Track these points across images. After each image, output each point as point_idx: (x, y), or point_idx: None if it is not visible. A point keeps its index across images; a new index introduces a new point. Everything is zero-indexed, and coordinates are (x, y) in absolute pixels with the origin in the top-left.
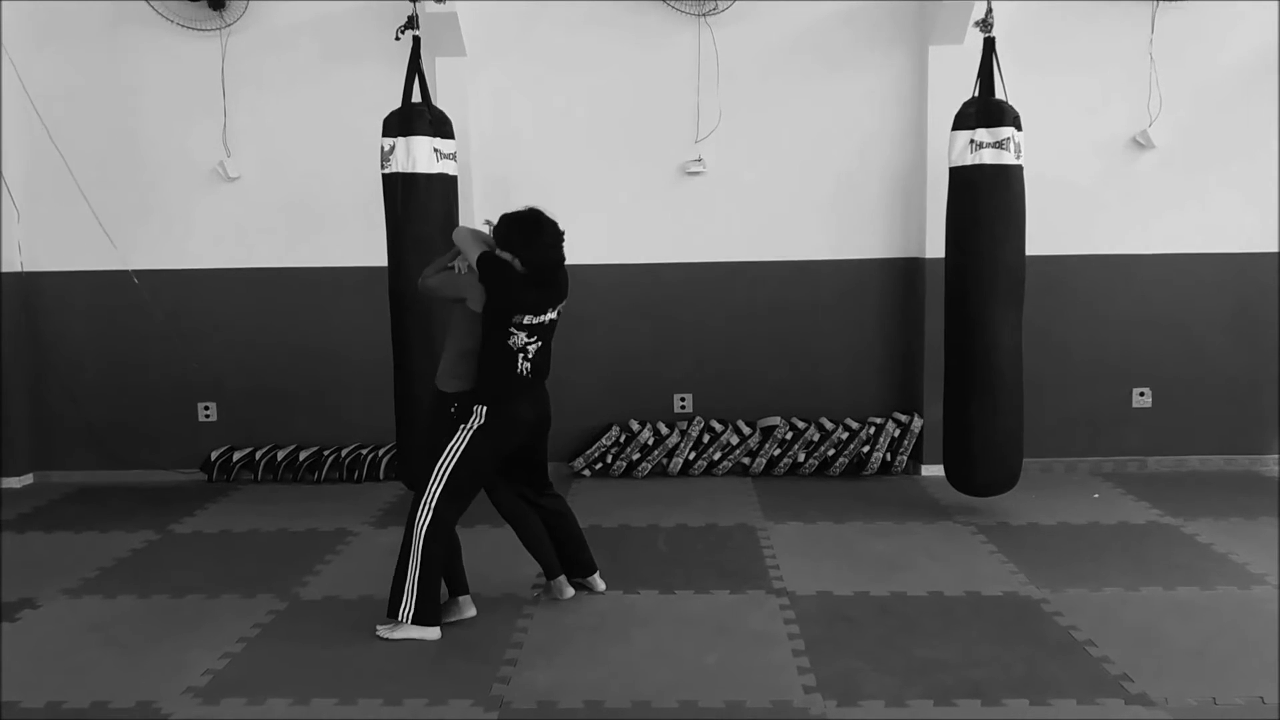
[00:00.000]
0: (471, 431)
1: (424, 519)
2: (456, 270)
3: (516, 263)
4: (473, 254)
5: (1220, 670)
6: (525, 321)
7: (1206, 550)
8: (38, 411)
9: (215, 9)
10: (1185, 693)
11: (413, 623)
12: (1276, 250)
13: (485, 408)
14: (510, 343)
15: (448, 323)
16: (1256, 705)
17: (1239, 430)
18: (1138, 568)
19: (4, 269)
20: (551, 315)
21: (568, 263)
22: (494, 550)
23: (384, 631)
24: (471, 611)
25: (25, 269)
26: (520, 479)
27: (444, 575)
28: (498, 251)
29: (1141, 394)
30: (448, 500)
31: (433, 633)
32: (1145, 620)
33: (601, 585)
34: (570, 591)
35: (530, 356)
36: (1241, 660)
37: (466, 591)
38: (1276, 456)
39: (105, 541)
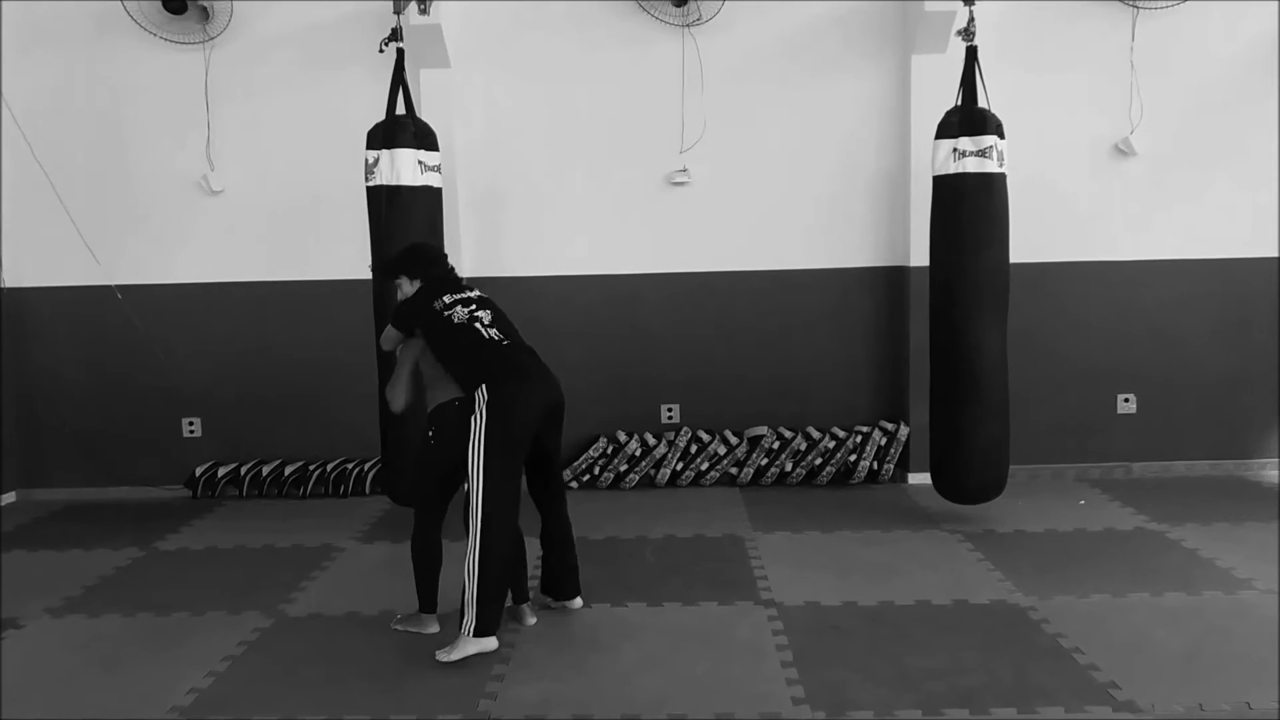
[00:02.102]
0: (484, 422)
1: (476, 528)
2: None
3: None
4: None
5: (1207, 676)
6: (452, 299)
7: (1193, 556)
8: (20, 428)
9: (200, 22)
10: (1172, 699)
11: (473, 635)
12: (1260, 255)
13: (483, 385)
14: (459, 323)
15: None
16: (1243, 710)
17: (1224, 435)
18: (1124, 574)
19: None
20: (476, 292)
21: (557, 274)
22: None
23: (442, 655)
24: (532, 620)
25: (7, 285)
26: (533, 473)
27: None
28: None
29: (1126, 400)
30: (493, 498)
31: (490, 644)
32: (1132, 627)
33: (579, 603)
34: (533, 620)
35: (487, 323)
36: (1228, 666)
37: (527, 599)
38: (1276, 460)
39: (89, 559)
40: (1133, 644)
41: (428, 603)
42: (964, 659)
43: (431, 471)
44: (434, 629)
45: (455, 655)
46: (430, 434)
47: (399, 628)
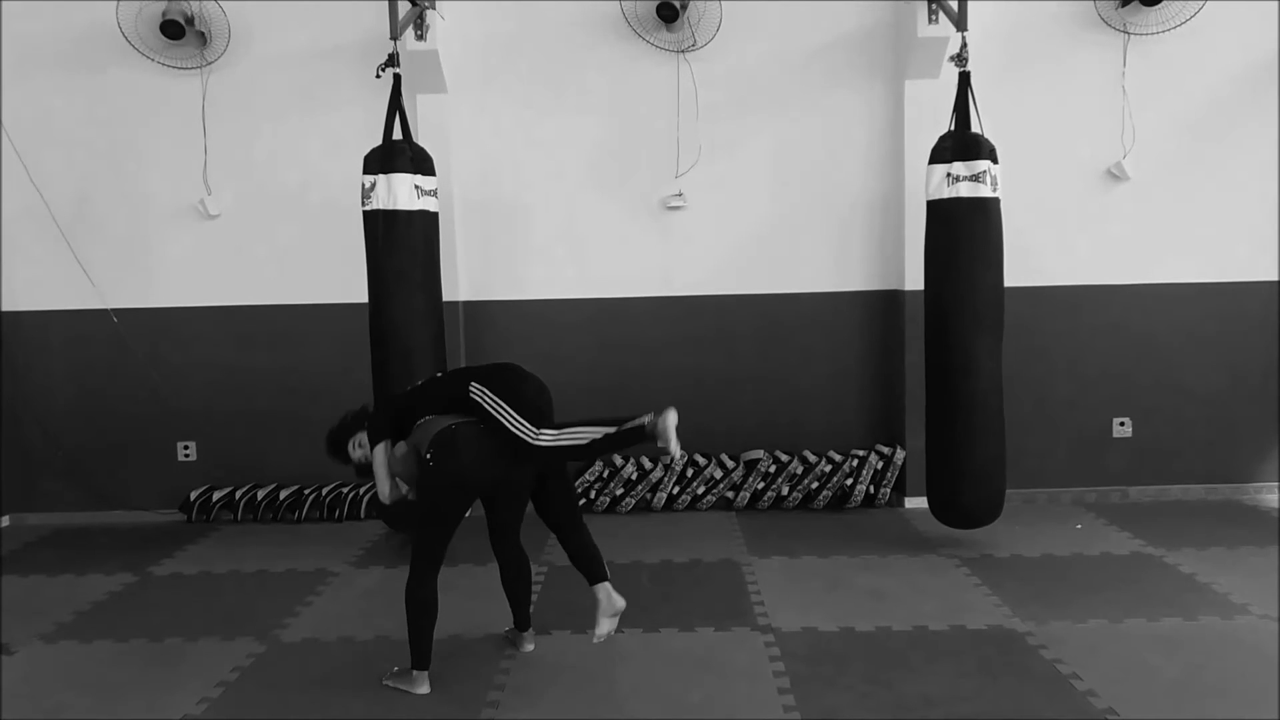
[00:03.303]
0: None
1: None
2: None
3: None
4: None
5: (1204, 702)
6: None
7: (1189, 581)
8: (14, 452)
9: (198, 47)
10: None
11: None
12: (1255, 280)
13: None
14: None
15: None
16: None
17: (1220, 459)
18: (1121, 599)
19: None
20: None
21: (553, 297)
22: (477, 589)
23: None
24: (530, 646)
25: (3, 309)
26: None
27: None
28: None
29: (1122, 424)
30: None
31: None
32: (1129, 652)
33: (530, 646)
34: (530, 646)
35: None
36: (1226, 691)
37: (528, 626)
38: (1276, 485)
39: (82, 585)
40: (1130, 669)
41: (421, 658)
42: (961, 685)
43: (439, 508)
44: (424, 689)
45: (387, 682)
46: (428, 455)
47: (389, 684)
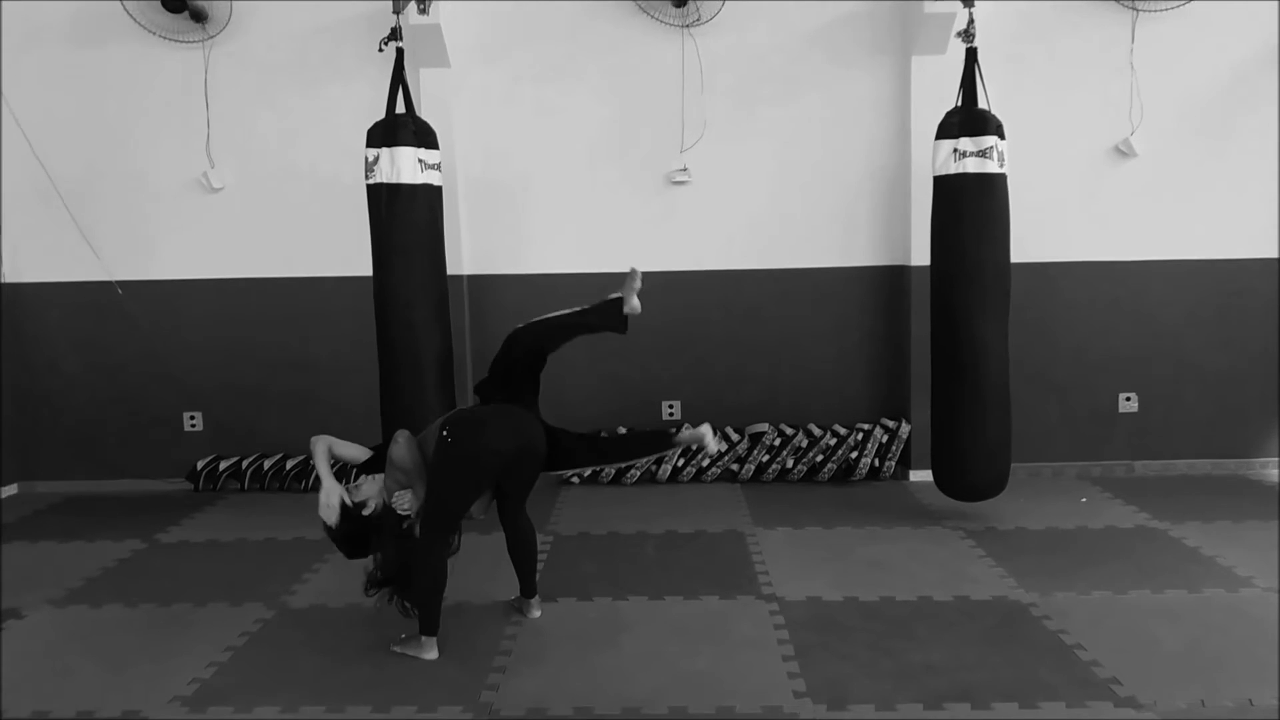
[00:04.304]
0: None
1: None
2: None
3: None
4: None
5: (1209, 673)
6: None
7: (1194, 554)
8: (22, 421)
9: (197, 21)
10: (1174, 696)
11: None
12: (1261, 256)
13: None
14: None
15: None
16: (1245, 708)
17: (1225, 434)
18: (1126, 571)
19: None
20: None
21: (557, 271)
22: (485, 559)
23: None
24: (536, 613)
25: (7, 280)
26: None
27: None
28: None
29: (1128, 399)
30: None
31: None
32: (1134, 624)
33: (536, 613)
34: (537, 613)
35: None
36: (1230, 663)
37: (534, 593)
38: (1278, 460)
39: (91, 551)
40: (1134, 641)
41: (430, 625)
42: (965, 655)
43: (456, 484)
44: (433, 655)
45: (397, 649)
46: (445, 433)
47: (397, 649)
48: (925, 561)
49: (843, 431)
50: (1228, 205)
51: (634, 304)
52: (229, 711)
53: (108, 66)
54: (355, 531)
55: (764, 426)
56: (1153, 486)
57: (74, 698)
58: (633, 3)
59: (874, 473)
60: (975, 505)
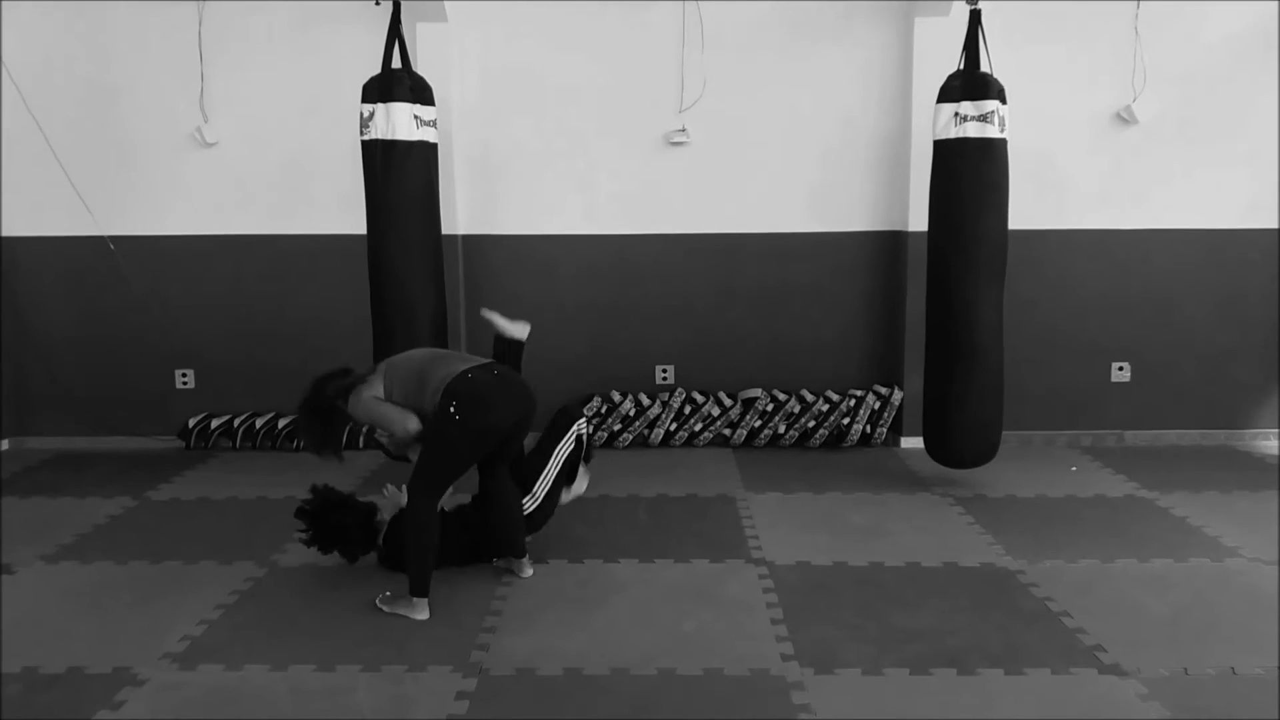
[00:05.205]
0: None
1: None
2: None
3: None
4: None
5: (1193, 641)
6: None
7: (1181, 523)
8: (13, 377)
9: None
10: (1157, 663)
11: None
12: (1258, 227)
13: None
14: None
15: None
16: (1228, 676)
17: (1217, 405)
18: (1114, 540)
19: None
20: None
21: (553, 233)
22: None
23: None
24: (529, 572)
25: (3, 234)
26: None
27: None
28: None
29: (1121, 369)
30: None
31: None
32: (1120, 592)
33: (529, 572)
34: (529, 572)
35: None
36: (1213, 632)
37: (524, 553)
38: (1275, 431)
39: (82, 508)
40: (1120, 608)
41: (420, 585)
42: (952, 620)
43: (458, 453)
44: (424, 615)
45: (386, 608)
46: (452, 409)
47: (384, 608)
48: (914, 527)
49: (835, 398)
50: (1227, 174)
51: (515, 329)
52: (219, 669)
53: (101, 18)
54: (345, 523)
55: (757, 392)
56: (1143, 456)
57: (64, 654)
58: None
59: (865, 439)
60: (966, 472)
